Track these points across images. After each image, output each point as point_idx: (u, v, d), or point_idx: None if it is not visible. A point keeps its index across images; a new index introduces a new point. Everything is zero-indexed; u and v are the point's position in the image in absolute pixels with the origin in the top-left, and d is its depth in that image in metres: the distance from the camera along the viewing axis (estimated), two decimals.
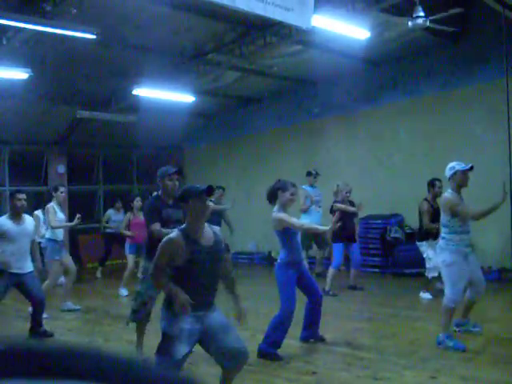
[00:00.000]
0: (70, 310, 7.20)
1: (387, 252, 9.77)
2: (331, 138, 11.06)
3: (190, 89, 9.95)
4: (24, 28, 6.31)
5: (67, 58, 8.36)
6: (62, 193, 7.14)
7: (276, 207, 4.94)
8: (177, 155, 14.11)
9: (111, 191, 13.08)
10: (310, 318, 5.32)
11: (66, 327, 6.28)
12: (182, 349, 3.30)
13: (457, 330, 5.44)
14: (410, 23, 6.61)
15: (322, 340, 5.35)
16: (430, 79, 9.62)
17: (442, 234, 5.20)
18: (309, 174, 9.20)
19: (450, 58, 9.36)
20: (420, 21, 6.49)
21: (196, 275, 3.38)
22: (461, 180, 5.17)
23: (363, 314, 6.79)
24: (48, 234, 7.07)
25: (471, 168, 5.20)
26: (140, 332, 5.06)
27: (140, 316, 4.97)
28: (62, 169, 12.11)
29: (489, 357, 4.65)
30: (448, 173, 5.25)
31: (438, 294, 7.30)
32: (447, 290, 5.04)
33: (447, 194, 5.24)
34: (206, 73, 9.53)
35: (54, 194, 7.12)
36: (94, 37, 6.64)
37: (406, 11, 6.96)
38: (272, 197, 4.97)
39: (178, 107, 10.87)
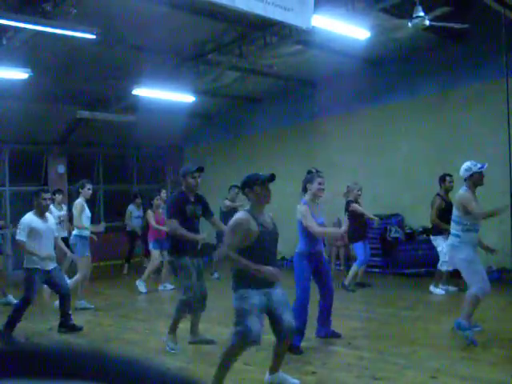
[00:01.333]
0: (84, 309, 7.29)
1: (387, 252, 9.77)
2: (331, 138, 11.05)
3: (190, 89, 9.95)
4: (24, 28, 6.30)
5: (67, 58, 8.36)
6: (89, 189, 7.26)
7: (305, 197, 5.17)
8: (177, 155, 14.11)
9: (111, 191, 13.09)
10: (321, 314, 5.41)
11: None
12: (256, 321, 3.63)
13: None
14: (409, 23, 6.61)
15: (337, 336, 5.42)
16: (430, 79, 9.62)
17: (455, 232, 5.29)
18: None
19: (450, 58, 9.36)
20: (420, 21, 6.49)
21: (262, 255, 3.68)
22: (478, 180, 5.30)
23: (363, 313, 6.79)
24: (77, 231, 7.18)
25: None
26: (178, 323, 5.23)
27: (193, 307, 5.20)
28: (61, 169, 12.11)
29: (489, 357, 4.65)
30: (465, 174, 5.35)
31: (451, 293, 7.37)
32: (477, 284, 5.08)
33: (462, 191, 5.32)
34: (206, 73, 9.53)
35: (81, 190, 7.23)
36: (93, 37, 6.63)
37: (405, 11, 6.96)
38: (304, 190, 5.26)
39: (178, 107, 10.87)
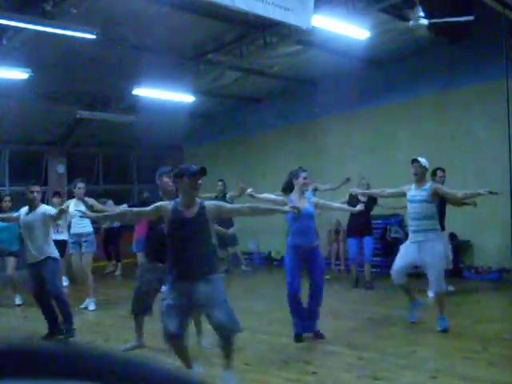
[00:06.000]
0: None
1: (387, 252, 9.76)
2: (331, 138, 11.05)
3: (190, 89, 9.95)
4: (24, 28, 6.31)
5: (67, 58, 8.36)
6: (79, 188, 7.28)
7: (292, 196, 5.28)
8: (177, 155, 14.11)
9: (111, 191, 13.09)
10: (308, 307, 5.41)
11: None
12: (170, 323, 3.68)
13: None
14: (410, 23, 6.62)
15: (319, 337, 5.37)
16: (430, 79, 9.62)
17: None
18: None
19: (449, 57, 9.36)
20: (420, 21, 6.49)
21: (177, 246, 3.77)
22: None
23: (363, 314, 6.78)
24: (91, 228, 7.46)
25: (412, 160, 6.02)
26: (138, 324, 5.18)
27: (143, 308, 5.08)
28: (61, 169, 12.12)
29: (489, 357, 4.64)
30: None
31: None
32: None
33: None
34: (206, 73, 9.53)
35: (73, 190, 7.34)
36: (93, 37, 6.64)
37: (405, 11, 6.97)
38: (288, 187, 5.35)
39: (178, 107, 10.87)
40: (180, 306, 3.72)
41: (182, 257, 3.77)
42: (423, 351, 4.91)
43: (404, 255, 5.70)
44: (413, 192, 5.68)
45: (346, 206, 6.64)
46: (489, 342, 5.06)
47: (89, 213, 4.02)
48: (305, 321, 5.37)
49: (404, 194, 5.80)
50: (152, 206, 3.90)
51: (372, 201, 8.07)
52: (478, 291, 7.66)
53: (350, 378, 4.31)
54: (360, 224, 8.16)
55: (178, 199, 3.85)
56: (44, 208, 6.02)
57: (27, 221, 5.82)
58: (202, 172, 3.81)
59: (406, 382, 4.21)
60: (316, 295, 5.36)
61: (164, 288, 4.20)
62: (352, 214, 7.97)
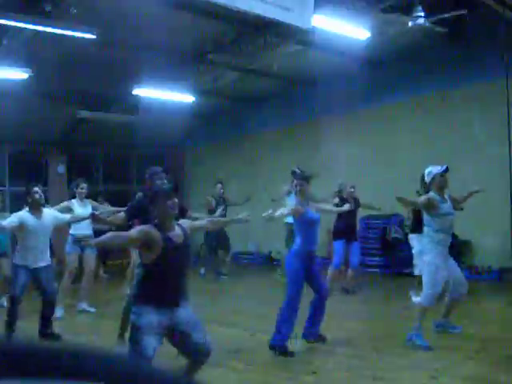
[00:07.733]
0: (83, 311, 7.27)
1: (387, 252, 9.77)
2: (331, 138, 11.05)
3: (190, 89, 9.95)
4: (24, 28, 6.31)
5: (67, 58, 8.36)
6: (82, 189, 7.16)
7: (298, 199, 5.23)
8: (177, 155, 14.12)
9: (111, 191, 13.09)
10: (312, 314, 5.30)
11: (66, 327, 6.27)
12: (150, 342, 3.34)
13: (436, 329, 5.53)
14: (409, 23, 6.62)
15: (322, 340, 5.32)
16: (430, 79, 9.62)
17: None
18: (293, 173, 8.99)
19: (449, 58, 9.36)
20: (420, 21, 6.50)
21: (167, 273, 3.44)
22: (440, 182, 5.28)
23: (363, 314, 6.79)
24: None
25: (447, 169, 5.30)
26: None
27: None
28: (61, 169, 12.13)
29: (489, 357, 4.65)
30: (427, 178, 5.37)
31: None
32: (425, 290, 5.16)
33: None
34: (206, 73, 9.53)
35: (75, 190, 7.19)
36: (94, 37, 6.64)
37: (405, 11, 6.97)
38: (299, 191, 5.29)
39: (178, 107, 10.87)
40: (161, 328, 3.40)
41: (169, 284, 3.45)
42: (423, 351, 4.90)
43: (442, 275, 5.18)
44: (443, 204, 5.20)
45: (334, 208, 6.65)
46: (489, 342, 5.06)
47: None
48: (309, 328, 5.30)
49: (432, 206, 5.14)
50: (138, 230, 3.46)
51: (357, 204, 8.18)
52: (478, 291, 7.66)
53: (350, 378, 4.31)
54: (349, 227, 8.05)
55: (155, 222, 3.49)
56: (53, 212, 5.99)
57: (42, 225, 5.62)
58: (176, 189, 3.61)
59: (406, 382, 4.22)
60: (322, 306, 5.28)
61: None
62: (340, 217, 7.92)
